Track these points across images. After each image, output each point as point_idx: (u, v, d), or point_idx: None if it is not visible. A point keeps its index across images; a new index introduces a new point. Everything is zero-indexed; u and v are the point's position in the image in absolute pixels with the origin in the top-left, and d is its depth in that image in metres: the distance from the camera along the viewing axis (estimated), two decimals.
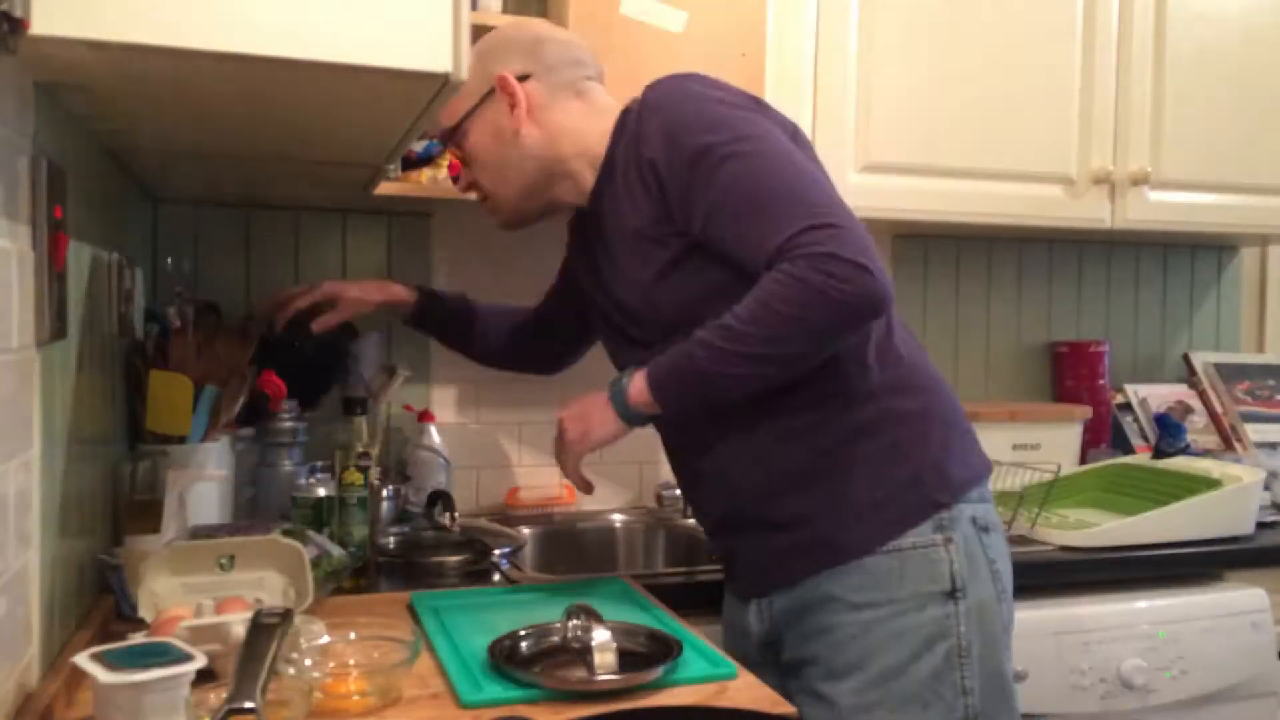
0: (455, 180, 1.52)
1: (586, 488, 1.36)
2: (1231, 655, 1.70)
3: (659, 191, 1.22)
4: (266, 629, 0.92)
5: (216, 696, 0.94)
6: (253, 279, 1.96)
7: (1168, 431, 2.11)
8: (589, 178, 1.34)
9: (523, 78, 1.33)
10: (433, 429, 1.99)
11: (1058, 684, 1.59)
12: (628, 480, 2.20)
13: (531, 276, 2.14)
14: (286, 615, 0.95)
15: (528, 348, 1.72)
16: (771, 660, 1.31)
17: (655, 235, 1.24)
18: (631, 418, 1.26)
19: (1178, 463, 2.01)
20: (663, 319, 1.26)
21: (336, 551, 1.39)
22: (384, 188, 1.72)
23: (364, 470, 1.55)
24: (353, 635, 1.11)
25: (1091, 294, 2.55)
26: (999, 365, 2.48)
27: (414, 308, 1.67)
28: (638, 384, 1.23)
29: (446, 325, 1.71)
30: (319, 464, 1.62)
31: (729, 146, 1.17)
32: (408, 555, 1.60)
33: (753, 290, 1.15)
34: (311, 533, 1.43)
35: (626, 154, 1.27)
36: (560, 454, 1.35)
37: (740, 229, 1.16)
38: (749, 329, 1.14)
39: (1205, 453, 2.23)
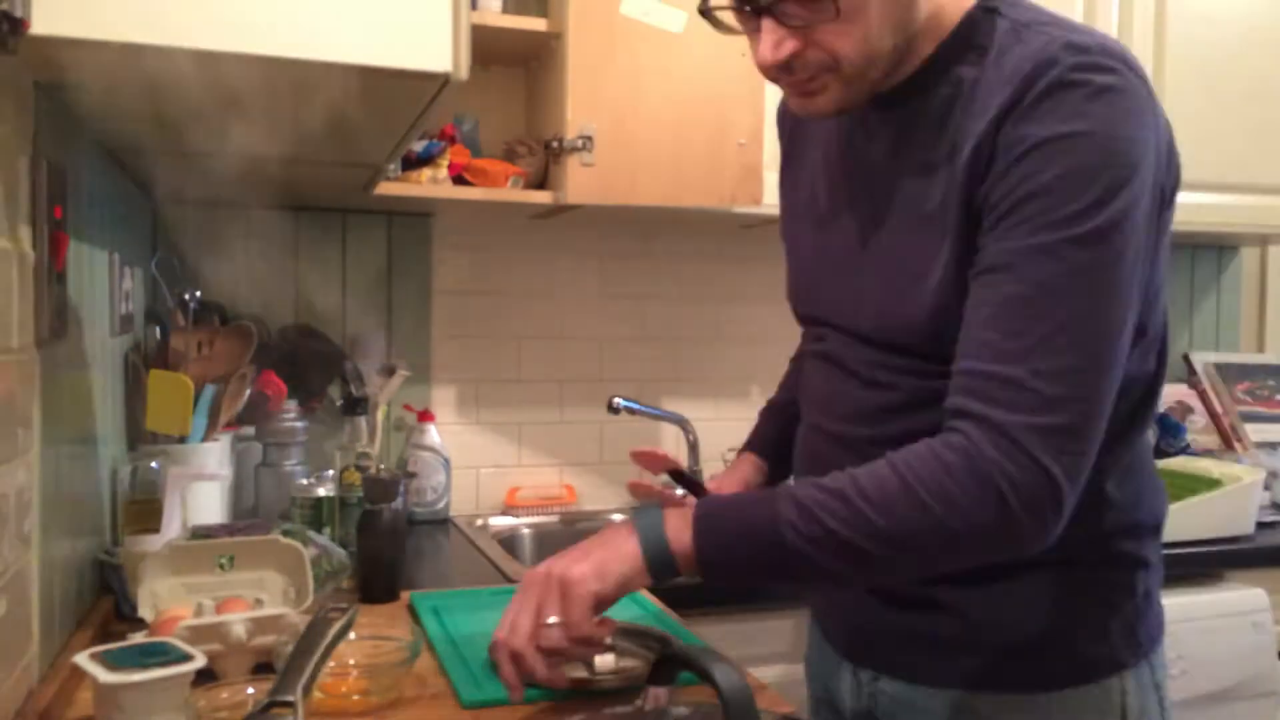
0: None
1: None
2: (1231, 655, 1.70)
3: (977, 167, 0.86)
4: (323, 623, 0.91)
5: (216, 696, 0.94)
6: (253, 279, 1.96)
7: (1168, 431, 2.11)
8: (915, 59, 0.93)
9: None
10: (433, 429, 1.99)
11: None
12: (628, 480, 2.20)
13: (532, 276, 2.15)
14: (348, 611, 0.94)
15: None
16: None
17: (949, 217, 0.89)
18: (660, 566, 0.89)
19: (1178, 463, 2.01)
20: (934, 349, 0.90)
21: (337, 551, 1.39)
22: (384, 188, 1.72)
23: (363, 470, 1.55)
24: (353, 635, 1.11)
25: None
26: None
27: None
28: (678, 527, 0.89)
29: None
30: (326, 473, 1.62)
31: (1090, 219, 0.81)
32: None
33: (906, 455, 0.84)
34: (311, 533, 1.43)
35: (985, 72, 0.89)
36: (533, 622, 0.91)
37: (991, 304, 0.84)
38: (875, 519, 0.82)
39: (1205, 453, 2.23)
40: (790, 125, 1.15)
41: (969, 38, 0.90)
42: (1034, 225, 0.82)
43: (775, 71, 0.89)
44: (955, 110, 0.90)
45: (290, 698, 0.81)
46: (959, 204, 0.88)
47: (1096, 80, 0.82)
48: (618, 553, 0.90)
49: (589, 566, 0.90)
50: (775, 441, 1.22)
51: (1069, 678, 0.95)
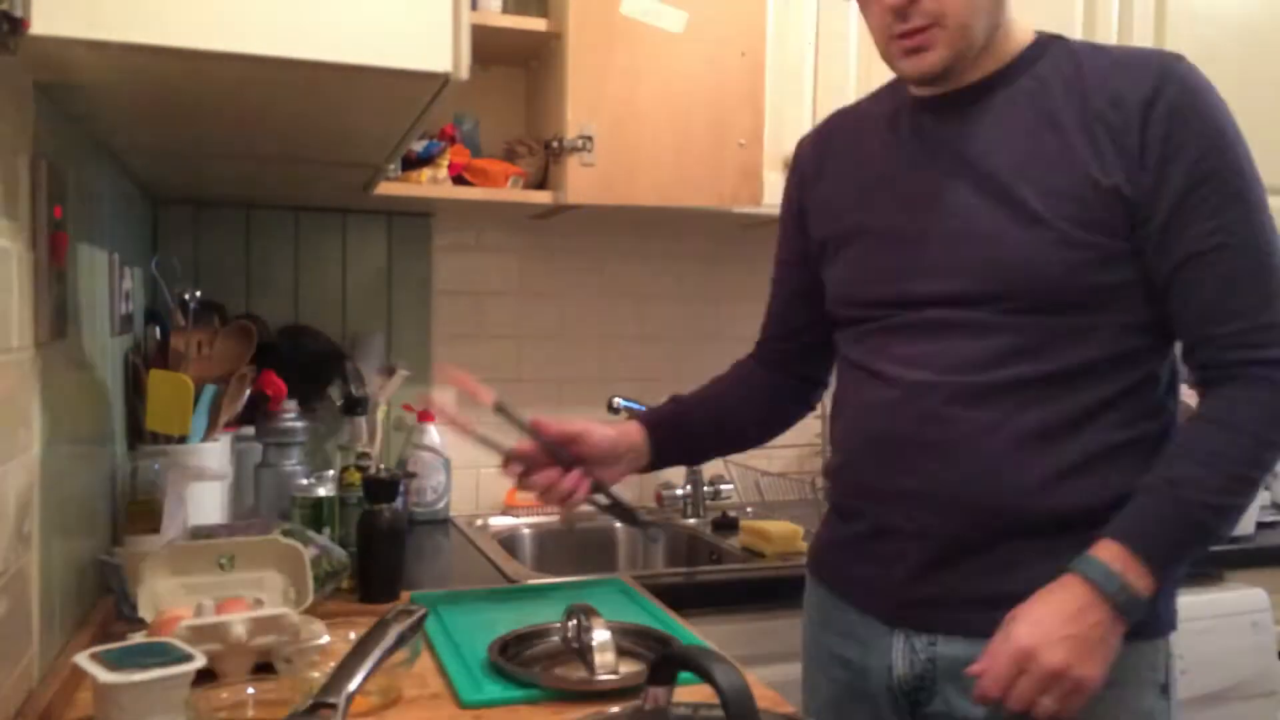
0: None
1: None
2: (1231, 655, 1.70)
3: (1128, 151, 0.99)
4: (385, 625, 0.90)
5: (215, 696, 0.94)
6: (253, 279, 1.96)
7: None
8: (1005, 49, 1.08)
9: None
10: (433, 429, 1.99)
11: None
12: (627, 480, 2.19)
13: (532, 276, 2.15)
14: (414, 614, 0.93)
15: (774, 391, 1.43)
16: (900, 709, 1.10)
17: (1091, 197, 1.00)
18: (1132, 611, 0.97)
19: None
20: (1039, 294, 1.02)
21: (337, 551, 1.39)
22: (384, 188, 1.72)
23: (363, 470, 1.55)
24: (352, 635, 1.11)
25: None
26: None
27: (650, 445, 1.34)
28: (1125, 561, 0.96)
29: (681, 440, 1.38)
30: (326, 473, 1.62)
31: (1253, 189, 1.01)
32: None
33: (1240, 406, 0.99)
34: (312, 533, 1.43)
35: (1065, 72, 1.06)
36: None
37: (1215, 280, 0.99)
38: (1252, 473, 0.99)
39: None
40: (820, 149, 1.24)
41: (1040, 54, 1.07)
42: (1216, 206, 0.98)
43: (893, 20, 1.02)
44: (1056, 92, 1.04)
45: (334, 699, 0.81)
46: (1102, 168, 0.99)
47: (1211, 83, 1.03)
48: (1100, 630, 0.95)
49: (1092, 665, 0.94)
50: (667, 424, 1.34)
51: (1134, 632, 0.99)
